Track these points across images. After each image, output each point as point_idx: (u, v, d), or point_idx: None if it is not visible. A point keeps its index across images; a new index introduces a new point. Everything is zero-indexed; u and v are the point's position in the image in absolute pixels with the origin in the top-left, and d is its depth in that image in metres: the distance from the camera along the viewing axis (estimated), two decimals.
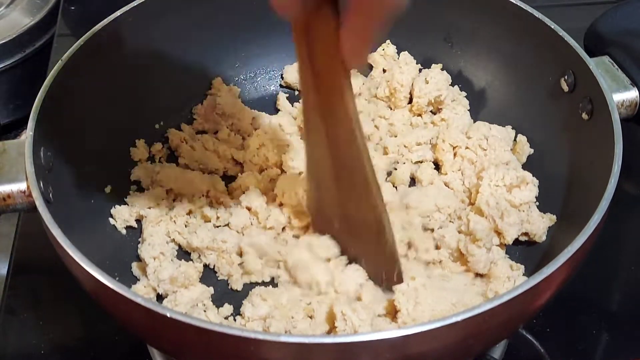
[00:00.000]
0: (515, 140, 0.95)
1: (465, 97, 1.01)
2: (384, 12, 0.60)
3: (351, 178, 0.76)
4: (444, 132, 0.95)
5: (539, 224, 0.86)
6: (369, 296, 0.80)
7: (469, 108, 1.00)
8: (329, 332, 0.77)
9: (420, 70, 1.02)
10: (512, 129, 0.96)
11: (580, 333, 0.86)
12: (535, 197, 0.88)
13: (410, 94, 1.01)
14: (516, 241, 0.87)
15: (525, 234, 0.86)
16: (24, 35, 1.22)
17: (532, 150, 0.94)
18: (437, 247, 0.85)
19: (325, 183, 0.79)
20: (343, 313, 0.75)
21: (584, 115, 0.85)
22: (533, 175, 0.88)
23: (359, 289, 0.80)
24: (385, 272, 0.80)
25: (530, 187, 0.87)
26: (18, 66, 1.21)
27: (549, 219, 0.87)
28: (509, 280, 0.81)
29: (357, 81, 1.04)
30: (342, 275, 0.81)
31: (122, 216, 0.89)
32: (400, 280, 0.80)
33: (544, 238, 0.86)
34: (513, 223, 0.84)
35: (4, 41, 1.19)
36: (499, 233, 0.85)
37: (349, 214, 0.80)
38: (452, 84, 1.01)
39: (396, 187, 0.93)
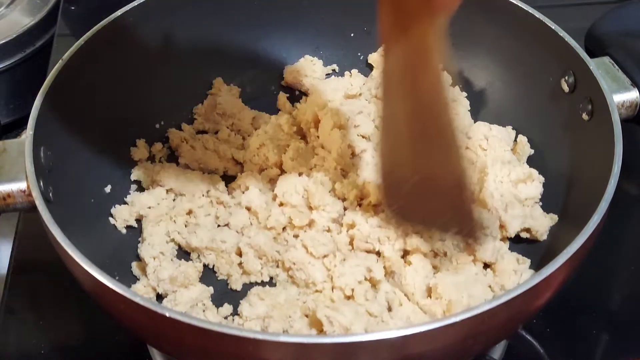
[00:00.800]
0: (515, 140, 0.95)
1: (466, 97, 1.01)
2: None
3: (436, 132, 0.74)
4: None
5: (542, 221, 0.86)
6: (362, 295, 0.80)
7: (469, 108, 1.00)
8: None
9: None
10: (513, 129, 0.96)
11: (580, 333, 0.86)
12: (540, 194, 0.88)
13: None
14: (517, 239, 0.87)
15: (527, 230, 0.87)
16: (24, 35, 1.22)
17: (532, 151, 0.94)
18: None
19: (403, 144, 0.77)
20: (327, 317, 0.75)
21: (584, 116, 0.85)
22: None
23: (356, 286, 0.80)
24: (464, 227, 0.80)
25: (535, 184, 0.87)
26: (18, 66, 1.21)
27: (551, 219, 0.87)
28: (516, 274, 0.81)
29: (357, 81, 1.04)
30: (342, 269, 0.81)
31: (122, 216, 0.89)
32: (480, 234, 0.80)
33: (545, 237, 0.87)
34: (517, 216, 0.85)
35: (4, 41, 1.19)
36: (501, 226, 0.85)
37: (430, 173, 0.77)
38: (452, 84, 1.01)
39: None
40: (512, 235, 0.86)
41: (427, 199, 0.79)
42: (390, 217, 0.83)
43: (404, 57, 0.71)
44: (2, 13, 1.24)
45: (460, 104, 1.00)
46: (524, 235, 0.87)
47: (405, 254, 0.84)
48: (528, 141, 0.95)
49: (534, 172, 0.89)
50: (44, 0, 1.27)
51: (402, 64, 0.72)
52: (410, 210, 0.82)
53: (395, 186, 0.81)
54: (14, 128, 1.18)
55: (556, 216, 0.87)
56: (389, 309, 0.80)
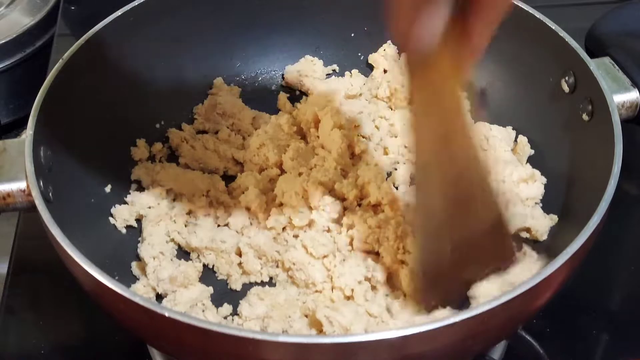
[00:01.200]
0: (515, 141, 0.95)
1: (466, 97, 1.01)
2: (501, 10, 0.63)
3: (472, 191, 0.73)
4: None
5: (542, 221, 0.86)
6: (362, 295, 0.80)
7: (469, 108, 1.00)
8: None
9: None
10: (513, 129, 0.96)
11: (580, 333, 0.86)
12: (541, 194, 0.88)
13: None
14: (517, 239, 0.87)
15: (527, 230, 0.87)
16: (24, 35, 1.22)
17: (532, 151, 0.94)
18: None
19: (439, 214, 0.75)
20: (327, 317, 0.75)
21: (585, 116, 0.85)
22: None
23: (356, 286, 0.80)
24: (505, 261, 0.78)
25: (537, 185, 0.88)
26: (18, 66, 1.21)
27: (551, 219, 0.87)
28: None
29: (357, 81, 1.04)
30: (341, 269, 0.81)
31: (122, 215, 0.89)
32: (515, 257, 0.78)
33: (545, 237, 0.87)
34: (517, 214, 0.84)
35: (4, 41, 1.19)
36: None
37: (468, 233, 0.75)
38: None
39: (397, 187, 0.93)
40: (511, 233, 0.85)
41: (474, 258, 0.77)
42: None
43: (435, 125, 0.71)
44: (2, 13, 1.24)
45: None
46: (524, 235, 0.87)
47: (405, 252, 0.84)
48: (528, 141, 0.95)
49: (537, 172, 0.90)
50: (44, 0, 1.27)
51: (435, 133, 0.71)
52: (450, 287, 0.79)
53: (441, 270, 0.78)
54: (13, 128, 1.18)
55: (556, 216, 0.87)
56: (389, 310, 0.80)
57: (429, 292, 0.78)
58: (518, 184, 0.88)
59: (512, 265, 0.78)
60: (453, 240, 0.75)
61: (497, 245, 0.77)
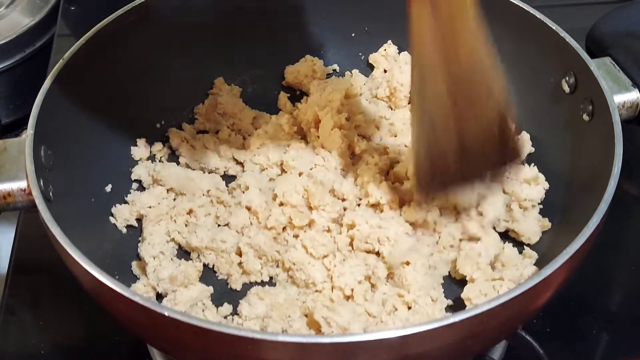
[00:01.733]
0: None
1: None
2: None
3: (477, 93, 0.74)
4: None
5: (532, 226, 0.87)
6: (362, 295, 0.80)
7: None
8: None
9: None
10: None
11: (580, 334, 0.86)
12: (541, 199, 0.88)
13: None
14: (517, 241, 0.87)
15: (515, 233, 0.87)
16: (24, 35, 1.22)
17: (533, 149, 0.94)
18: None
19: (439, 112, 0.76)
20: (325, 318, 0.75)
21: (585, 117, 0.85)
22: None
23: (356, 286, 0.80)
24: (511, 162, 0.81)
25: (539, 188, 0.88)
26: (18, 66, 1.21)
27: (542, 225, 0.87)
28: (517, 269, 0.82)
29: (358, 81, 1.04)
30: (341, 269, 0.81)
31: (122, 215, 0.89)
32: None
33: (535, 240, 0.87)
34: (495, 205, 0.86)
35: (4, 41, 1.19)
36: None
37: (468, 138, 0.77)
38: None
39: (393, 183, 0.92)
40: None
41: (475, 164, 0.79)
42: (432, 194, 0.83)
43: (441, 21, 0.70)
44: (2, 13, 1.24)
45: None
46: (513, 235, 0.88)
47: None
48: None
49: (541, 176, 0.90)
50: (44, 0, 1.28)
51: (438, 28, 0.71)
52: (451, 185, 0.82)
53: (438, 167, 0.80)
54: (14, 128, 1.19)
55: (547, 219, 0.88)
56: (388, 309, 0.80)
57: (431, 184, 0.80)
58: (521, 183, 0.88)
59: (516, 167, 0.81)
60: (456, 134, 0.76)
61: (501, 146, 0.78)
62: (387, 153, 0.96)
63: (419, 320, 0.78)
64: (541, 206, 0.89)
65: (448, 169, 0.79)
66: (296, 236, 0.87)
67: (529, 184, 0.89)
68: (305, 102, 1.02)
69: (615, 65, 0.89)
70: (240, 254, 0.86)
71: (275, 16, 1.04)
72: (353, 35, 1.07)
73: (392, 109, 1.02)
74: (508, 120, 0.77)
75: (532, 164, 0.93)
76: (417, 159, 0.81)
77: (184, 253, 0.88)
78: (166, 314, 0.62)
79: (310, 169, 0.92)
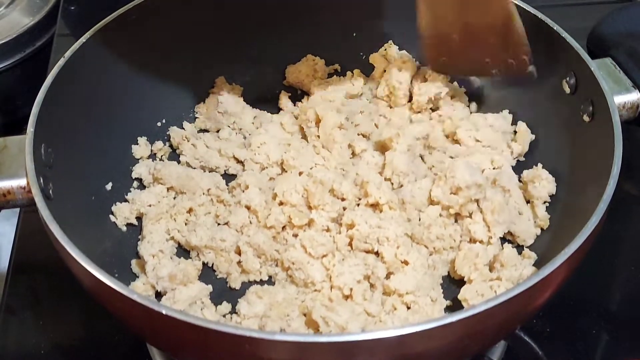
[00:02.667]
0: (514, 132, 0.96)
1: (466, 96, 1.01)
2: None
3: None
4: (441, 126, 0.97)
5: (527, 227, 0.87)
6: (361, 295, 0.80)
7: (468, 105, 1.00)
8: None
9: (418, 68, 1.02)
10: (509, 113, 0.97)
11: (580, 334, 0.86)
12: (548, 195, 0.89)
13: (410, 92, 1.01)
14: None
15: (511, 234, 0.87)
16: (24, 35, 1.22)
17: (533, 136, 0.95)
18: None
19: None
20: (323, 317, 0.75)
21: (585, 117, 0.85)
22: None
23: (355, 285, 0.80)
24: (515, 58, 0.85)
25: (544, 184, 0.88)
26: (18, 66, 1.22)
27: (539, 224, 0.87)
28: (516, 269, 0.82)
29: (358, 81, 1.04)
30: (340, 268, 0.81)
31: (122, 213, 0.90)
32: (530, 61, 0.86)
33: (530, 242, 0.87)
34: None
35: (4, 41, 1.20)
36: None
37: (471, 19, 0.82)
38: (451, 81, 1.01)
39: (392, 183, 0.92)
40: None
41: (476, 43, 0.84)
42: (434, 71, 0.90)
43: None
44: (2, 13, 1.24)
45: (459, 100, 1.00)
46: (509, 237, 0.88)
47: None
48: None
49: (550, 177, 0.90)
50: (44, 0, 1.28)
51: None
52: (456, 61, 0.87)
53: (440, 42, 0.85)
54: (14, 128, 1.19)
55: (547, 222, 0.88)
56: (387, 309, 0.80)
57: (437, 64, 0.89)
58: (527, 184, 0.88)
59: (519, 64, 0.85)
60: (459, 17, 0.82)
61: (508, 41, 0.83)
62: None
63: (417, 320, 0.78)
64: (547, 205, 0.89)
65: (452, 51, 0.86)
66: (295, 235, 0.87)
67: (533, 183, 0.89)
68: (306, 102, 1.02)
69: (616, 66, 0.89)
70: (239, 252, 0.86)
71: (277, 15, 1.04)
72: (354, 35, 1.07)
73: (391, 108, 1.01)
74: (513, 17, 0.82)
75: (524, 148, 0.94)
76: (423, 39, 0.88)
77: (183, 252, 0.88)
78: (164, 312, 0.62)
79: (311, 169, 0.92)
